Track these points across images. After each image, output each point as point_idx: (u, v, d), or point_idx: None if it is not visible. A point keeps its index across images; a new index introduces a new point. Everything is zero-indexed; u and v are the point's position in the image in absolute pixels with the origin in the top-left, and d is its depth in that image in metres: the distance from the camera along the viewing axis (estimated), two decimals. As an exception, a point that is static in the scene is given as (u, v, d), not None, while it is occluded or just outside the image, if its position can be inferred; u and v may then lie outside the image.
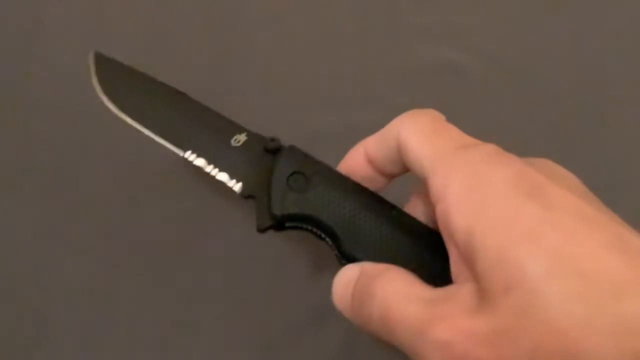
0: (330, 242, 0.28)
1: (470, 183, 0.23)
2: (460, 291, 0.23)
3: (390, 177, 0.30)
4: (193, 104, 0.33)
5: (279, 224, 0.29)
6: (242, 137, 0.32)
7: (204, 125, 0.32)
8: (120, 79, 0.33)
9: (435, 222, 0.28)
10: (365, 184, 0.29)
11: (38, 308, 0.39)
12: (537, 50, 0.44)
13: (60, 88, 0.44)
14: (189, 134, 0.32)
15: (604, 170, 0.39)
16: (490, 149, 0.24)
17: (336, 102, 0.43)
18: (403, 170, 0.28)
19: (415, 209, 0.30)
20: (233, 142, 0.32)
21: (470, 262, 0.22)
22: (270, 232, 0.30)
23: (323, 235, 0.29)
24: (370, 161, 0.29)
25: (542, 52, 0.44)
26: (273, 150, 0.30)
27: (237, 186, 0.31)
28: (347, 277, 0.27)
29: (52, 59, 0.45)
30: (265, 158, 0.30)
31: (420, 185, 0.27)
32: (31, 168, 0.42)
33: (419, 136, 0.26)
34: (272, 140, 0.30)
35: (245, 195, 0.30)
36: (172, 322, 0.39)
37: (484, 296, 0.22)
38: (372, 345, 0.38)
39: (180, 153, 0.31)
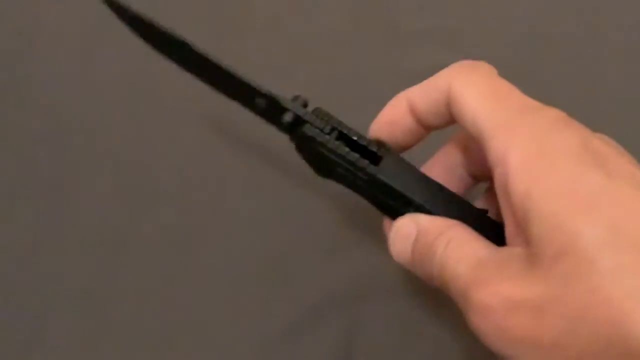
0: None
1: (533, 149, 0.23)
2: (510, 256, 0.23)
3: (430, 129, 0.29)
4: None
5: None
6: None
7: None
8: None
9: (467, 174, 0.30)
10: (404, 135, 0.28)
11: (36, 310, 0.40)
12: (536, 55, 0.44)
13: (59, 90, 0.44)
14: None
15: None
16: (556, 114, 0.24)
17: (333, 106, 0.43)
18: (446, 123, 0.28)
19: (448, 157, 0.30)
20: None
21: (524, 226, 0.22)
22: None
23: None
24: (412, 111, 0.28)
25: (541, 57, 0.44)
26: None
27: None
28: (405, 232, 0.27)
29: (51, 61, 0.45)
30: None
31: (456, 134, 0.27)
32: (30, 169, 0.43)
33: (476, 94, 0.25)
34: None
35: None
36: (170, 324, 0.39)
37: (534, 262, 0.22)
38: (370, 346, 0.39)
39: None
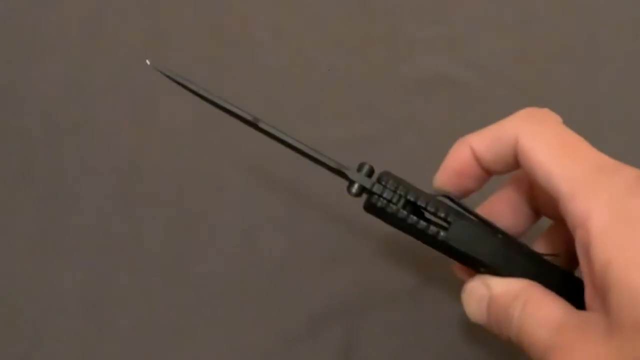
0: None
1: (614, 215, 0.23)
2: (589, 322, 0.23)
3: (497, 174, 0.29)
4: None
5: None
6: None
7: None
8: None
9: (531, 210, 0.30)
10: (471, 183, 0.29)
11: (34, 317, 0.39)
12: (538, 64, 0.44)
13: (59, 95, 0.44)
14: None
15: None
16: (635, 174, 0.24)
17: (335, 115, 0.43)
18: (512, 170, 0.28)
19: (511, 193, 0.30)
20: None
21: (603, 294, 0.23)
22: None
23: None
24: (478, 160, 0.28)
25: (542, 66, 0.44)
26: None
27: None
28: (478, 294, 0.27)
29: (51, 66, 0.45)
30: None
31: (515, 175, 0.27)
32: (29, 176, 0.42)
33: (547, 149, 0.25)
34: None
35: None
36: (168, 331, 0.39)
37: (612, 330, 0.22)
38: (370, 356, 0.38)
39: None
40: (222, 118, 0.43)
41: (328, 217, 0.41)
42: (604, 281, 0.22)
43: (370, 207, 0.28)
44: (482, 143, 0.28)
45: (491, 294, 0.27)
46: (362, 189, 0.28)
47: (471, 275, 0.29)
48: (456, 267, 0.30)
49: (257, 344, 0.39)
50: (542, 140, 0.26)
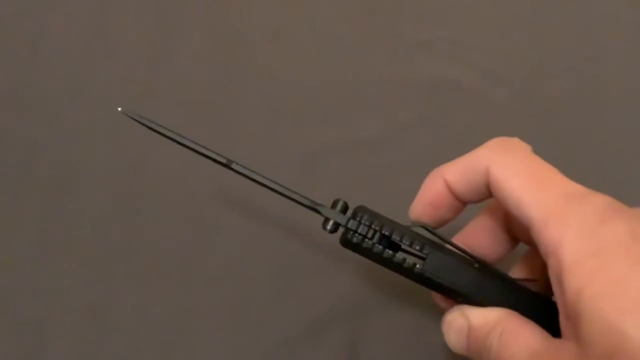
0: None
1: (584, 243, 0.23)
2: (563, 349, 0.24)
3: (468, 203, 0.29)
4: None
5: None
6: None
7: None
8: None
9: (508, 237, 0.31)
10: (445, 213, 0.29)
11: (37, 320, 0.39)
12: (538, 66, 0.44)
13: (63, 98, 0.44)
14: None
15: (606, 182, 0.39)
16: (604, 202, 0.24)
17: (336, 118, 0.43)
18: (485, 199, 0.28)
19: (487, 222, 0.31)
20: None
21: (575, 322, 0.23)
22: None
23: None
24: (451, 191, 0.29)
25: (544, 68, 0.44)
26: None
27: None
28: (456, 326, 0.28)
29: (55, 69, 0.45)
30: None
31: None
32: (32, 179, 0.42)
33: (517, 178, 0.26)
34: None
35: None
36: (171, 335, 0.39)
37: (583, 357, 0.22)
38: (372, 359, 0.38)
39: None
40: (225, 119, 0.43)
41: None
42: (576, 310, 0.23)
43: (345, 243, 0.29)
44: (454, 174, 0.28)
45: (469, 324, 0.27)
46: (337, 225, 0.28)
47: (451, 304, 0.29)
48: (435, 296, 0.31)
49: (258, 348, 0.39)
50: (513, 169, 0.26)
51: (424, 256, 0.28)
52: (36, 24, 0.46)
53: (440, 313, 0.37)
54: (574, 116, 0.43)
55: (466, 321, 0.27)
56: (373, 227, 0.28)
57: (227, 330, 0.39)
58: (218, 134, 0.42)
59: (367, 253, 0.28)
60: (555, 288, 0.24)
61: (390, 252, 0.28)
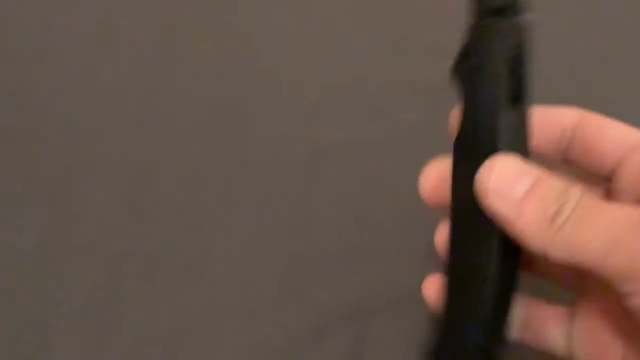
0: None
1: None
2: None
3: None
4: None
5: None
6: None
7: None
8: None
9: None
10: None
11: (39, 317, 0.39)
12: (538, 67, 0.44)
13: (68, 95, 0.44)
14: None
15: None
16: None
17: (343, 118, 0.43)
18: None
19: None
20: None
21: None
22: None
23: None
24: None
25: (543, 69, 0.44)
26: None
27: None
28: (512, 172, 0.23)
29: (62, 67, 0.45)
30: None
31: None
32: (35, 175, 0.42)
33: None
34: None
35: None
36: (176, 334, 0.39)
37: None
38: (377, 359, 0.38)
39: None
40: (231, 120, 0.43)
41: (337, 218, 0.41)
42: None
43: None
44: None
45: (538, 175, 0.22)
46: None
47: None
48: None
49: (264, 347, 0.38)
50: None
51: None
52: (38, 24, 0.46)
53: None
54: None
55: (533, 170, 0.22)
56: None
57: (231, 331, 0.39)
58: (223, 135, 0.43)
59: None
60: None
61: None
